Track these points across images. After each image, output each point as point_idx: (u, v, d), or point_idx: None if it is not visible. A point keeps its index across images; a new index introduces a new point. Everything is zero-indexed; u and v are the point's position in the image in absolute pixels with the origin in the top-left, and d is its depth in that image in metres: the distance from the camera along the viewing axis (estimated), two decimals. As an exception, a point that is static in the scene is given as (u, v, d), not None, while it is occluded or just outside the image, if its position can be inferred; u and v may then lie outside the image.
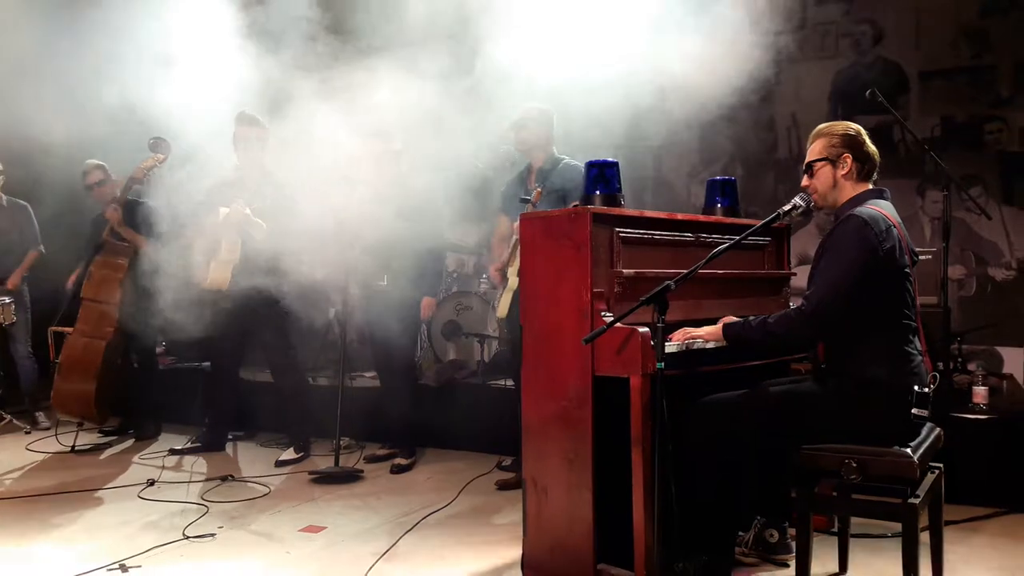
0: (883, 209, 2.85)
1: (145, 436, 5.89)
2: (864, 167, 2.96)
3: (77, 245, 6.08)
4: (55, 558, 3.51)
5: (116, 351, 5.57)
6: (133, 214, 5.59)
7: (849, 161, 2.94)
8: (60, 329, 5.58)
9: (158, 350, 6.65)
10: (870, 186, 2.98)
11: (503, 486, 4.60)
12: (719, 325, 3.02)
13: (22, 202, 6.29)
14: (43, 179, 6.10)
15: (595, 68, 4.36)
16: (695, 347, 3.04)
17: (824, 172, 2.97)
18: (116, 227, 5.55)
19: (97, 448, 5.65)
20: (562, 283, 3.04)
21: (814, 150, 3.00)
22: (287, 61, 4.97)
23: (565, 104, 4.59)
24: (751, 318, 2.99)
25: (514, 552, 3.40)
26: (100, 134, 5.32)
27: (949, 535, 3.21)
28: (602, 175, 3.24)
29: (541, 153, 4.64)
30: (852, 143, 2.95)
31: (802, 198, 3.01)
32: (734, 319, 3.06)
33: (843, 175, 2.95)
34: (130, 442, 5.82)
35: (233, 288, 5.08)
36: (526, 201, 4.40)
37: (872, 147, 2.98)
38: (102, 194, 5.77)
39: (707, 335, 3.03)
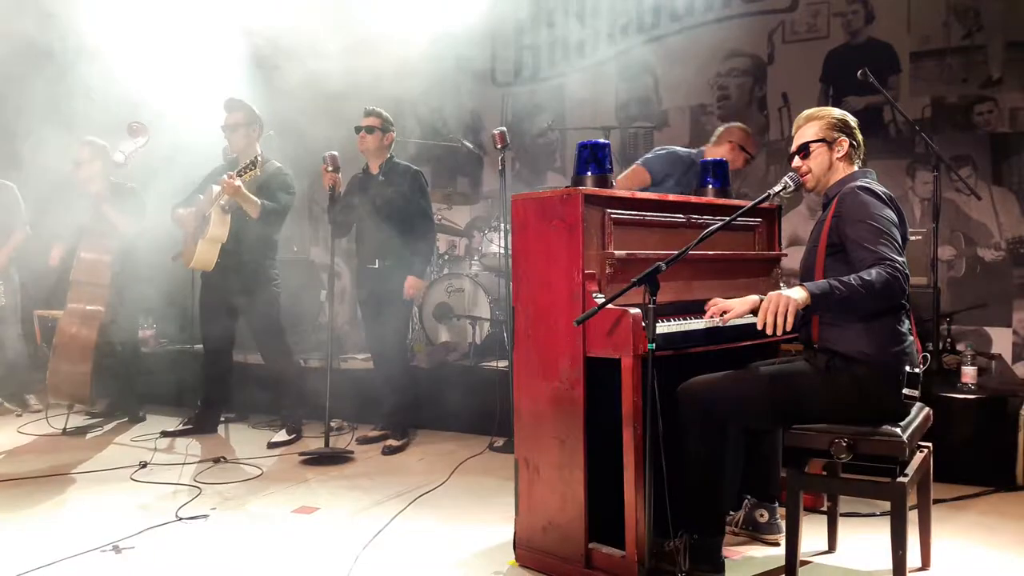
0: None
1: (137, 418, 5.89)
2: (856, 152, 3.04)
3: (65, 226, 6.01)
4: (48, 540, 3.50)
5: (108, 332, 5.54)
6: (116, 197, 5.55)
7: (845, 145, 3.00)
8: (45, 313, 5.54)
9: (148, 332, 6.65)
10: (857, 168, 3.04)
11: None
12: (796, 291, 2.67)
13: (8, 183, 6.23)
14: (30, 159, 6.05)
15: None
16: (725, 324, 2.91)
17: (820, 152, 3.02)
18: (102, 208, 5.51)
19: (88, 430, 5.64)
20: (554, 264, 3.04)
21: (808, 131, 3.04)
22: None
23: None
24: (833, 281, 2.66)
25: (506, 532, 3.42)
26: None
27: (937, 513, 3.24)
28: (594, 156, 3.22)
29: None
30: (847, 127, 3.02)
31: (791, 178, 3.04)
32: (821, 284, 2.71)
33: (839, 157, 3.01)
34: (122, 424, 5.82)
35: (221, 268, 5.07)
36: None
37: (860, 135, 3.06)
38: (88, 174, 5.68)
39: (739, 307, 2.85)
